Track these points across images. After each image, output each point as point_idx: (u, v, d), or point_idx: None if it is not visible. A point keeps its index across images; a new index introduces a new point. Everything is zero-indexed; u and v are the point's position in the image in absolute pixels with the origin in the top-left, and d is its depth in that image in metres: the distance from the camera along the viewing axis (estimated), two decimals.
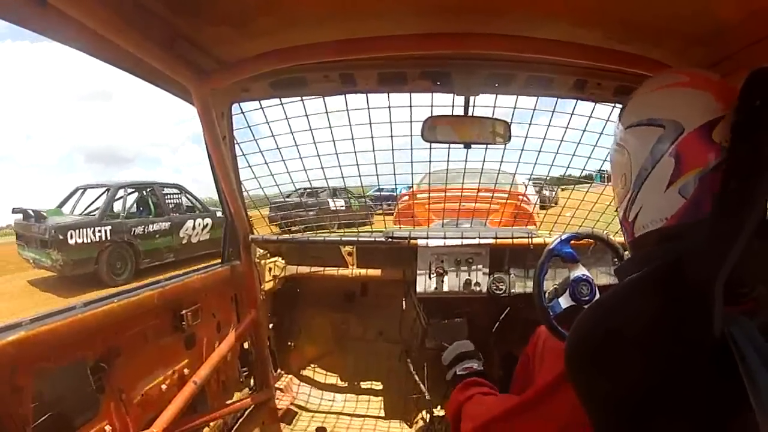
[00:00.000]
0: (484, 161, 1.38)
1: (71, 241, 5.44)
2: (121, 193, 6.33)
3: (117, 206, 6.26)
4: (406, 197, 2.67)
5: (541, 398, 0.55)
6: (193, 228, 6.95)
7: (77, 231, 5.52)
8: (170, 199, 6.95)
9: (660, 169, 0.52)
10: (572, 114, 1.26)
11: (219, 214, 6.78)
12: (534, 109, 1.25)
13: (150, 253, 6.33)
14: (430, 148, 1.31)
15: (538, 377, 0.94)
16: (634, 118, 0.57)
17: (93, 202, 6.46)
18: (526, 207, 2.02)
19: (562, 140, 1.30)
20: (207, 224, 7.13)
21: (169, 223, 6.61)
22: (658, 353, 0.43)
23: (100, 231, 5.73)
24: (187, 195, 7.21)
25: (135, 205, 6.65)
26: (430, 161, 1.35)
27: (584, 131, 1.28)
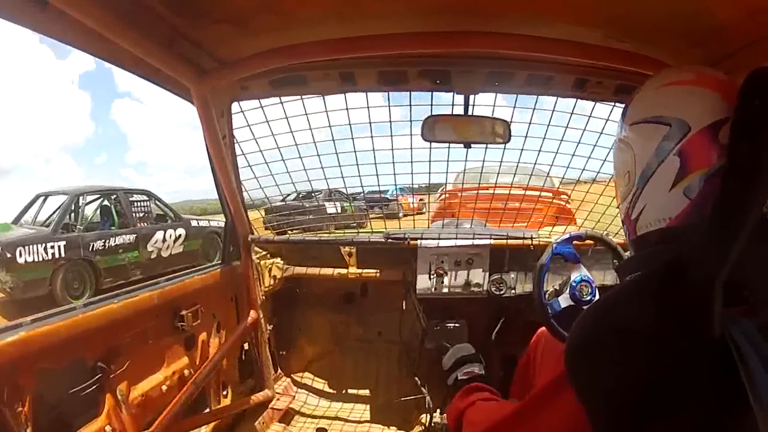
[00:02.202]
0: (483, 161, 1.38)
1: (20, 260, 4.62)
2: (79, 201, 5.47)
3: (75, 217, 5.42)
4: (447, 195, 2.57)
5: (540, 403, 0.54)
6: (164, 240, 6.05)
7: (27, 248, 4.68)
8: (137, 207, 6.06)
9: (665, 168, 0.52)
10: (572, 113, 1.26)
11: (194, 223, 6.55)
12: (534, 108, 1.25)
13: (112, 271, 5.46)
14: (430, 148, 1.31)
15: (537, 380, 0.94)
16: (638, 116, 0.56)
17: (54, 211, 5.52)
18: (570, 207, 1.98)
19: (562, 140, 1.30)
20: (180, 235, 6.25)
21: (135, 235, 5.73)
22: (658, 353, 0.42)
23: (53, 247, 4.87)
24: (157, 202, 6.36)
25: (95, 215, 5.74)
26: (430, 161, 1.35)
27: (584, 130, 1.28)
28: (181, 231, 6.32)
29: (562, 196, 2.01)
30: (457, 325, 1.55)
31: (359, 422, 1.67)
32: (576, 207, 1.68)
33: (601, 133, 1.27)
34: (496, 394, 0.84)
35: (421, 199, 2.70)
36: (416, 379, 1.63)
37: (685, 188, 0.50)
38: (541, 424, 0.53)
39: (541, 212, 1.85)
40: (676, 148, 0.51)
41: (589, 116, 1.25)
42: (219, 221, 7.18)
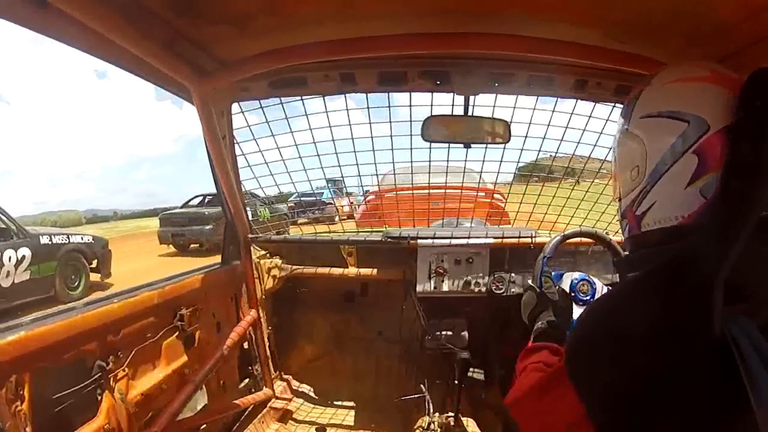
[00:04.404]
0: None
1: None
2: None
3: None
4: (373, 197, 2.51)
5: (557, 381, 0.52)
6: (0, 265, 4.29)
7: None
8: None
9: (681, 166, 0.51)
10: (572, 113, 1.26)
11: (44, 240, 4.87)
12: (534, 109, 1.25)
13: None
14: (430, 148, 1.31)
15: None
16: (651, 109, 0.54)
17: None
18: (500, 204, 1.97)
19: (562, 140, 1.31)
20: (23, 257, 4.53)
21: None
22: (659, 352, 0.42)
23: None
24: None
25: None
26: (429, 161, 1.36)
27: (584, 131, 1.28)
28: (24, 252, 4.56)
29: (496, 195, 2.01)
30: (457, 324, 1.55)
31: (358, 422, 1.68)
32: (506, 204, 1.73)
33: (601, 133, 1.28)
34: (556, 349, 0.75)
35: (351, 202, 2.66)
36: (416, 378, 1.63)
37: (702, 187, 0.50)
38: (556, 401, 0.52)
39: (471, 210, 1.86)
40: (695, 146, 0.50)
41: (589, 116, 1.26)
42: (84, 235, 5.60)
